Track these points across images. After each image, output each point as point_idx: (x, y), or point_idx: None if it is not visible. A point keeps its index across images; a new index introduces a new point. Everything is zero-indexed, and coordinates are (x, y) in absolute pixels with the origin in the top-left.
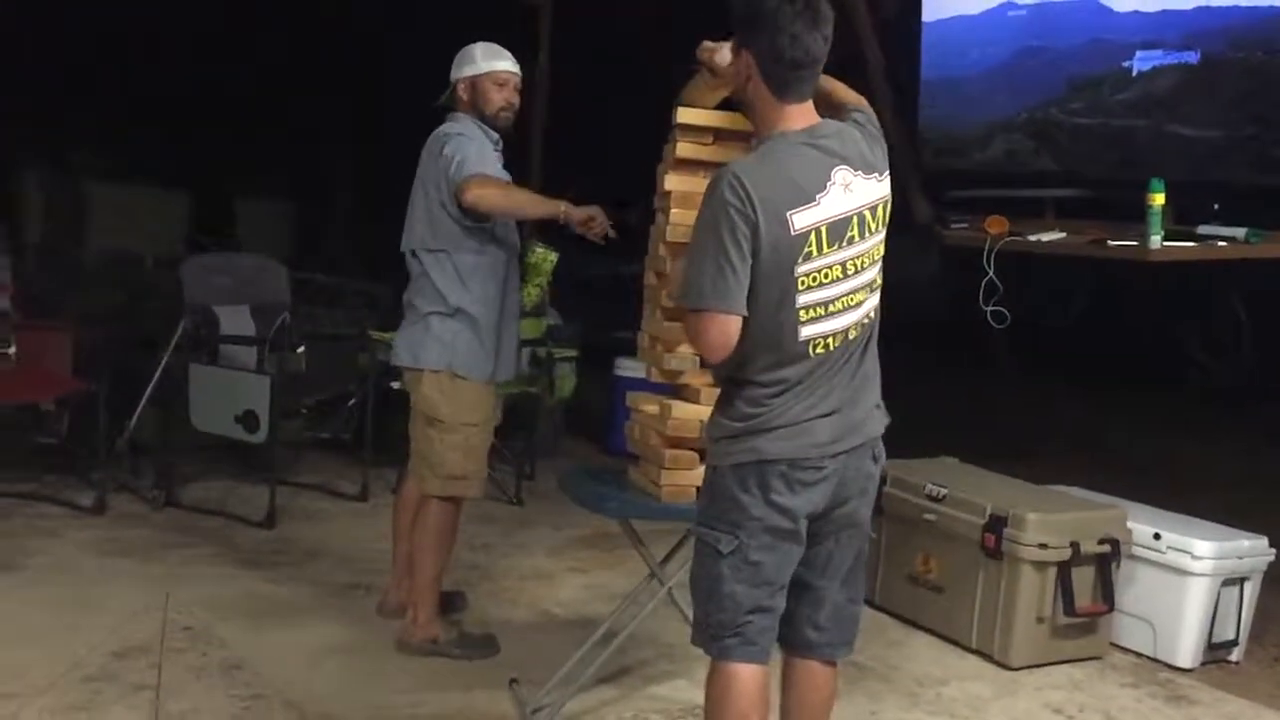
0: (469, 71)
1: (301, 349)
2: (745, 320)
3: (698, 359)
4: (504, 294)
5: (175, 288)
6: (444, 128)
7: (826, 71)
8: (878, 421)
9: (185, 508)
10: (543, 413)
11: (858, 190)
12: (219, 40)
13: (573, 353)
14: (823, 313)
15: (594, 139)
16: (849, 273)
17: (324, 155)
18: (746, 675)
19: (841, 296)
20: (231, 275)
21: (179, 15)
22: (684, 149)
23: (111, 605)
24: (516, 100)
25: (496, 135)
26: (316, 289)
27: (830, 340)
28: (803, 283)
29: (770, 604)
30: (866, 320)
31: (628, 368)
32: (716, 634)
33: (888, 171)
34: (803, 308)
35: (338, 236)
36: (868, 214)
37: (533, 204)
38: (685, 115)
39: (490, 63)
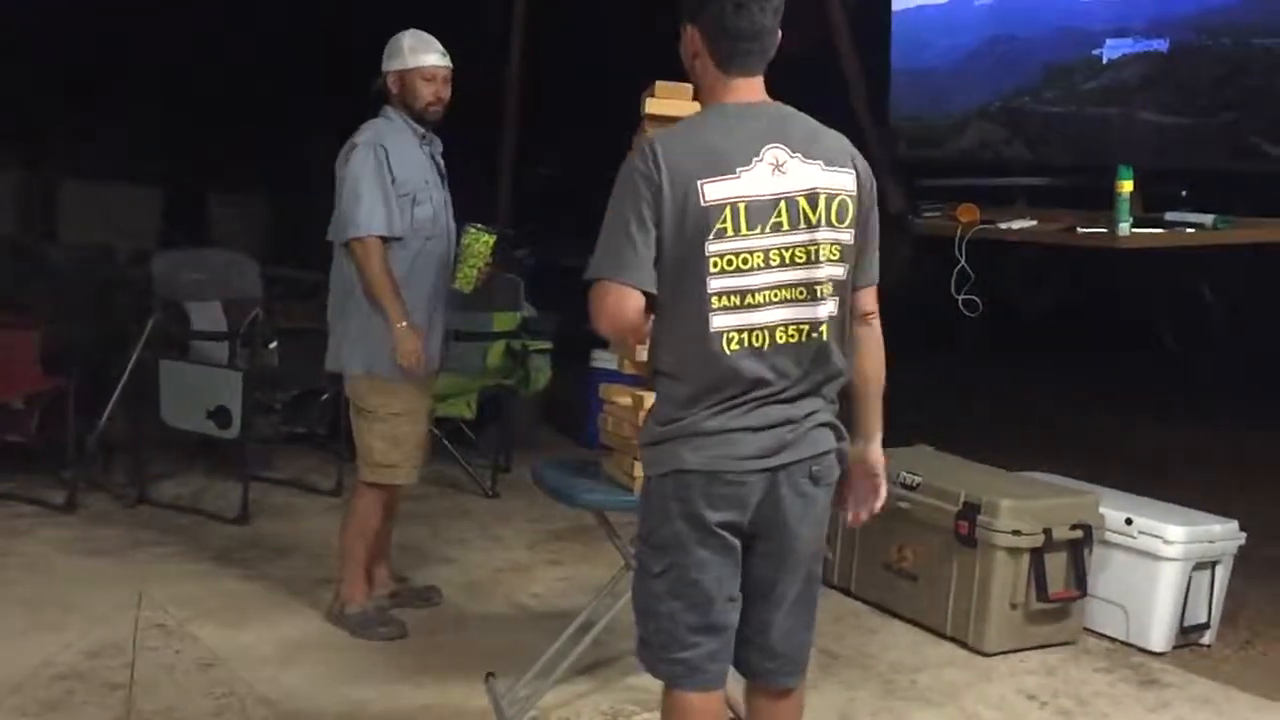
0: (397, 65)
1: (274, 344)
2: (658, 301)
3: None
4: (425, 284)
5: (145, 283)
6: (365, 128)
7: (795, 61)
8: (822, 439)
9: (158, 505)
10: (518, 405)
11: (793, 173)
12: (188, 32)
13: (547, 345)
14: (738, 303)
15: (567, 120)
16: (773, 263)
17: (294, 149)
18: (699, 705)
19: (765, 289)
20: (203, 270)
21: (149, 8)
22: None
23: (84, 604)
24: (446, 94)
25: (423, 130)
26: (288, 284)
27: (749, 337)
28: (714, 264)
29: (714, 621)
30: (808, 326)
31: (603, 360)
32: (660, 655)
33: (852, 170)
34: (715, 294)
35: (309, 231)
36: (803, 201)
37: (385, 297)
38: (653, 105)
39: (418, 57)
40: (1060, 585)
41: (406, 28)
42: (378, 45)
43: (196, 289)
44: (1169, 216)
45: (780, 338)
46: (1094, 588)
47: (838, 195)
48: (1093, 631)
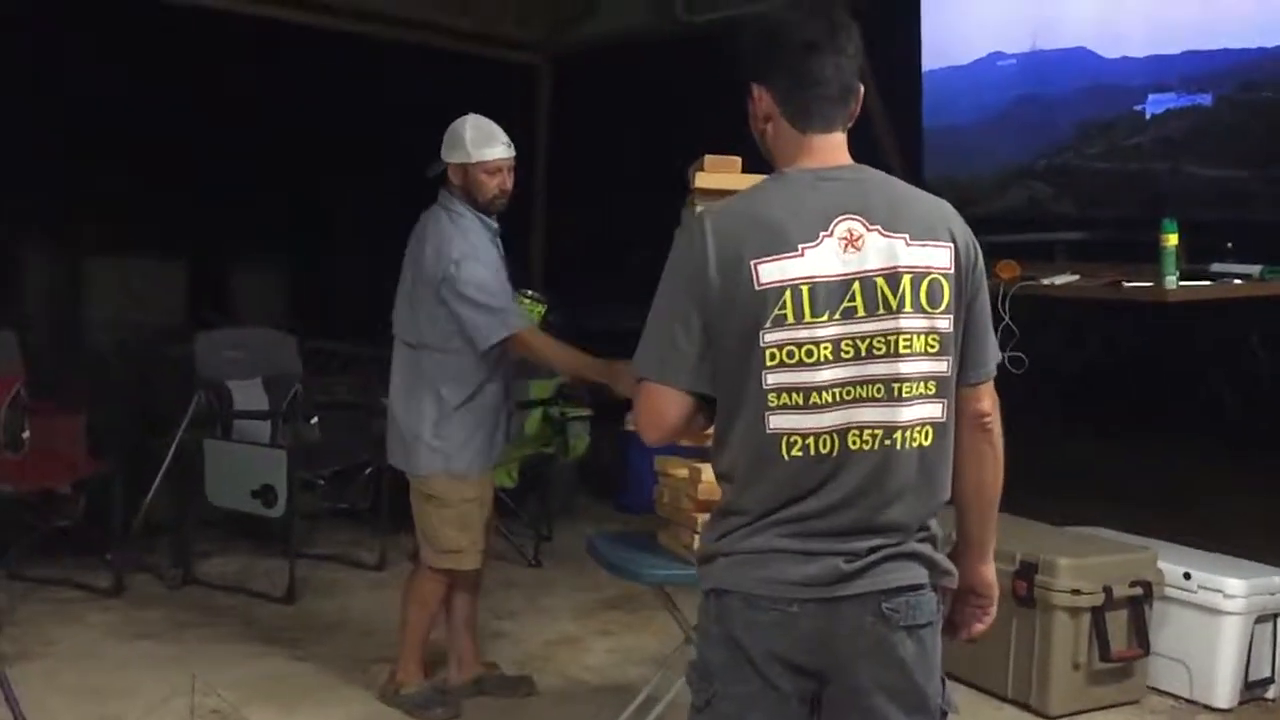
0: (459, 158)
1: (315, 420)
2: (713, 400)
3: None
4: (502, 375)
5: (182, 362)
6: (438, 219)
7: None
8: (899, 574)
9: (203, 585)
10: (557, 473)
11: (870, 249)
12: (213, 105)
13: (586, 412)
14: (800, 401)
15: (597, 195)
16: (844, 355)
17: (323, 221)
18: None
19: (834, 386)
20: (243, 349)
21: (171, 85)
22: None
23: (137, 691)
24: (510, 183)
25: (494, 225)
26: (325, 357)
27: (814, 443)
28: (771, 356)
29: None
30: (882, 432)
31: None
32: None
33: (948, 244)
34: (773, 390)
35: (342, 303)
36: (881, 281)
37: (571, 363)
38: (702, 180)
39: (480, 151)
40: (1122, 644)
41: (436, 98)
42: (406, 119)
43: (238, 368)
44: (1215, 268)
45: (853, 444)
46: (1155, 645)
47: (928, 274)
48: (1156, 690)
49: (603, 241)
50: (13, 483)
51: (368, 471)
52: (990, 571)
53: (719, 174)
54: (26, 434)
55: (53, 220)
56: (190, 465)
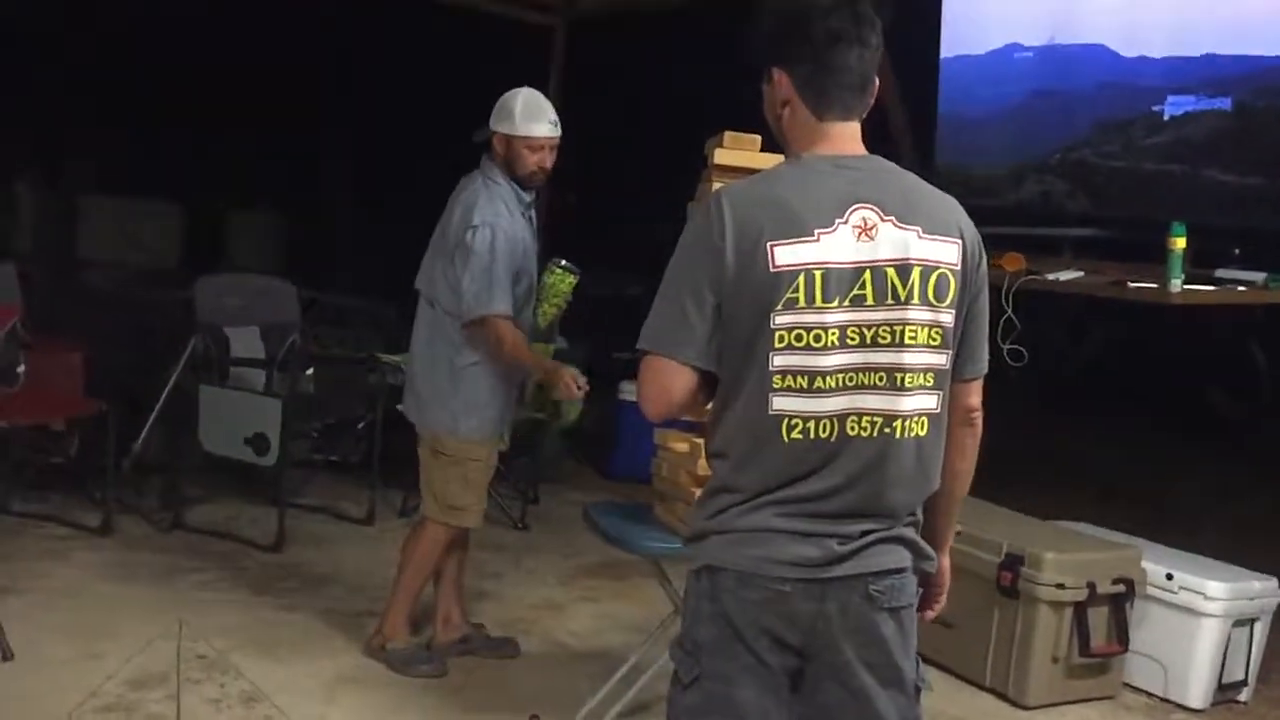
0: (505, 129)
1: (310, 371)
2: (715, 378)
3: None
4: None
5: (180, 305)
6: (474, 184)
7: None
8: (888, 556)
9: (192, 530)
10: (548, 437)
11: (883, 239)
12: (219, 52)
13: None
14: (804, 385)
15: (612, 163)
16: (850, 342)
17: (324, 173)
18: None
19: (838, 372)
20: (243, 295)
21: (176, 27)
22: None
23: (124, 632)
24: (550, 162)
25: (528, 197)
26: (322, 309)
27: (814, 426)
28: (780, 338)
29: None
30: (882, 420)
31: (629, 392)
32: None
33: (957, 240)
34: (778, 372)
35: (341, 255)
36: (891, 272)
37: (526, 360)
38: (722, 156)
39: (528, 125)
40: (1102, 639)
41: (445, 53)
42: (414, 73)
43: (236, 314)
44: (1219, 274)
45: (851, 429)
46: (1133, 642)
47: (936, 269)
48: (1131, 686)
49: (606, 209)
50: (6, 417)
51: (360, 425)
52: (947, 561)
53: (738, 150)
54: (22, 368)
55: (50, 158)
56: (184, 409)
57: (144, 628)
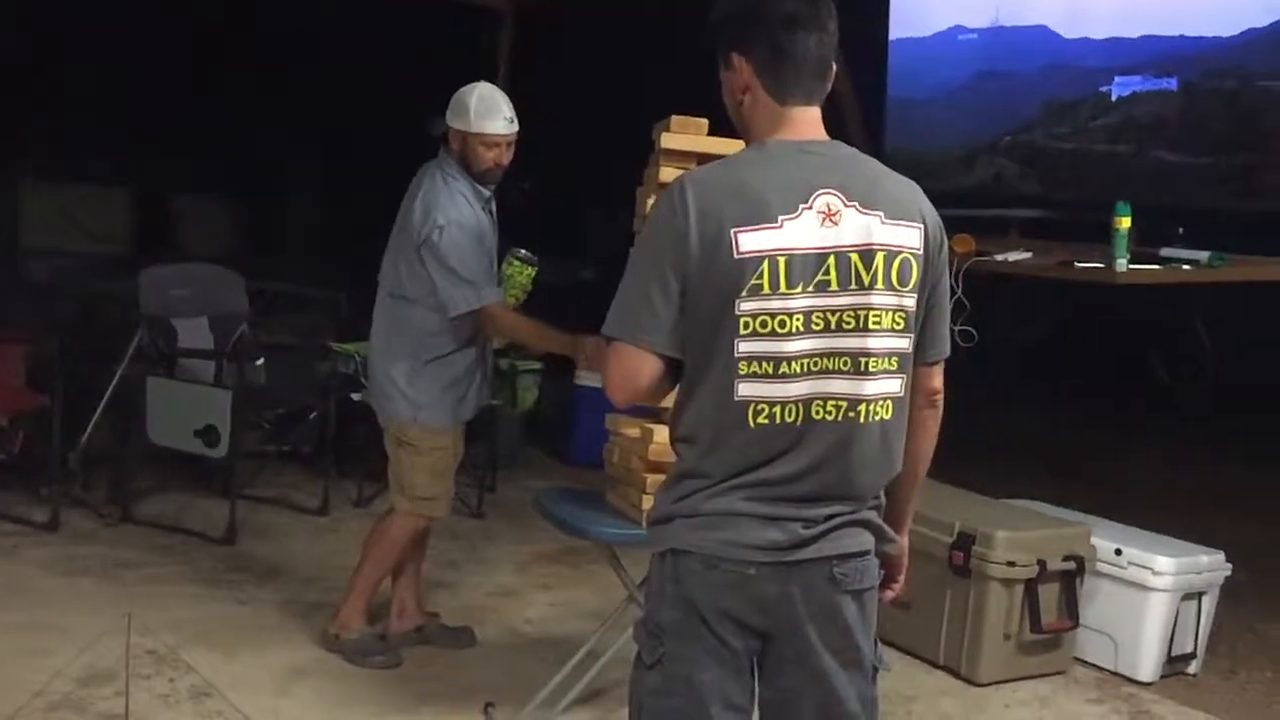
0: (459, 125)
1: (260, 361)
2: (680, 364)
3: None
4: (474, 336)
5: (125, 295)
6: (432, 178)
7: None
8: (851, 540)
9: (141, 523)
10: (504, 424)
11: (846, 224)
12: (158, 32)
13: (536, 365)
14: (770, 370)
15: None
16: (815, 327)
17: (271, 161)
18: None
19: (802, 357)
20: (189, 285)
21: (119, 8)
22: (666, 174)
23: (72, 628)
24: (507, 158)
25: (486, 192)
26: (272, 297)
27: (779, 411)
28: (745, 324)
29: None
30: (846, 404)
31: (587, 378)
32: None
33: (919, 224)
34: (743, 358)
35: (292, 242)
36: (855, 257)
37: (538, 340)
38: (669, 140)
39: (482, 122)
40: (1053, 616)
41: (392, 36)
42: (361, 52)
43: (183, 305)
44: (1164, 253)
45: (816, 414)
46: (1083, 618)
47: (899, 253)
48: (1081, 661)
49: (556, 196)
50: None
51: (313, 415)
52: (906, 541)
53: (685, 135)
54: None
55: None
56: (130, 402)
57: (93, 623)
